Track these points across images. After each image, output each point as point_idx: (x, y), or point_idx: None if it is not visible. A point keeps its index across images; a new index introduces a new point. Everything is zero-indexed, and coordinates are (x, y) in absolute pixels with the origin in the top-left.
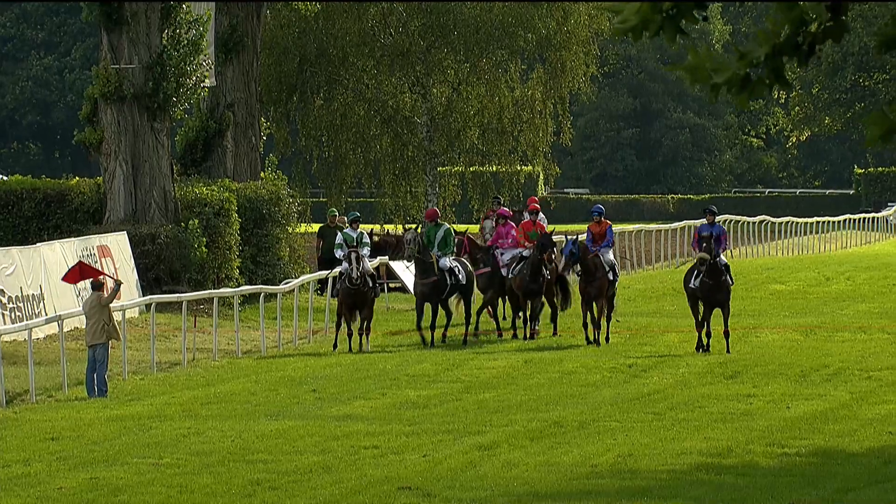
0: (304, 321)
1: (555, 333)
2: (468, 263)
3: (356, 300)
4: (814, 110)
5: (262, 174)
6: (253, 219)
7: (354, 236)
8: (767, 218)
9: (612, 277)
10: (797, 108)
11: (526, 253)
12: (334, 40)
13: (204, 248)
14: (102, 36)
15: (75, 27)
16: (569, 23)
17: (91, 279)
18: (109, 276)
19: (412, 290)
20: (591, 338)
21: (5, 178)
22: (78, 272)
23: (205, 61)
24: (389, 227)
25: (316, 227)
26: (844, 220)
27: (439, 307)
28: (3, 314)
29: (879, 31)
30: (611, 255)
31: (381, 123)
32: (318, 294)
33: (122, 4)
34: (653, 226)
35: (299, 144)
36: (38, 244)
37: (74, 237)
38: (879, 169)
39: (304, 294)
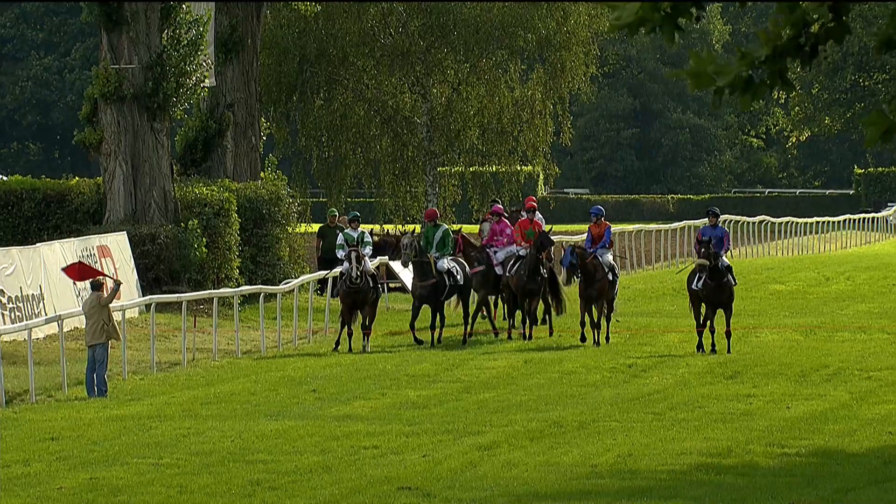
0: (304, 321)
1: (550, 333)
2: (465, 263)
3: (356, 300)
4: (814, 110)
5: (262, 174)
6: (253, 219)
7: (355, 236)
8: (767, 218)
9: (611, 278)
10: (797, 108)
11: (523, 252)
12: (334, 40)
13: (204, 249)
14: (102, 36)
15: (75, 27)
16: (569, 23)
17: (91, 279)
18: (109, 277)
19: (411, 291)
20: (588, 338)
21: (5, 178)
22: (77, 269)
23: (205, 61)
24: (389, 227)
25: (316, 227)
26: (844, 221)
27: (439, 308)
28: (2, 314)
29: (879, 31)
30: (609, 257)
31: (381, 123)
32: (317, 294)
33: (122, 4)
34: (653, 226)
35: (299, 144)
36: (37, 244)
37: (74, 237)
38: (879, 169)
39: (303, 294)
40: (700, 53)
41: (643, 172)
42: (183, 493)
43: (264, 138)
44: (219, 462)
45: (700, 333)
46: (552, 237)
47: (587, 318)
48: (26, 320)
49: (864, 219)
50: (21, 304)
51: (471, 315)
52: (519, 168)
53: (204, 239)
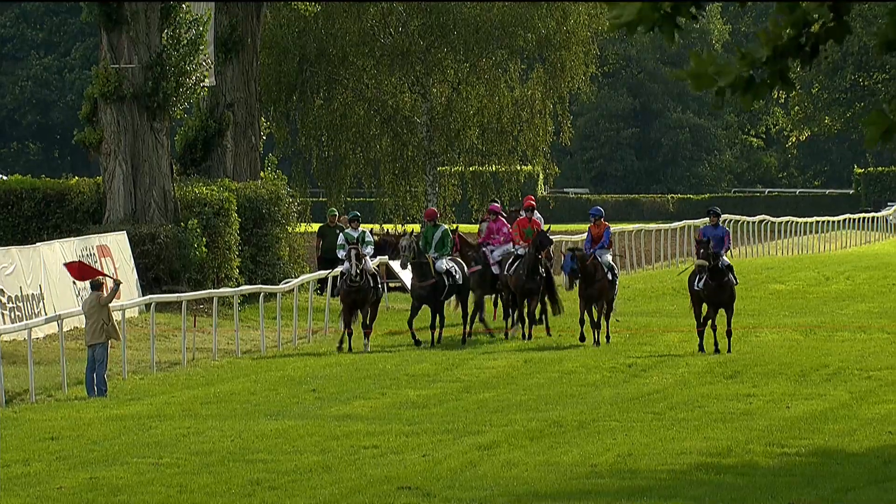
0: (304, 321)
1: (548, 333)
2: (463, 263)
3: (356, 299)
4: (813, 110)
5: (261, 174)
6: (252, 218)
7: (356, 236)
8: (767, 218)
9: (611, 278)
10: (797, 107)
11: (521, 251)
12: (334, 40)
13: (203, 248)
14: (102, 36)
15: (75, 27)
16: (568, 23)
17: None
18: (109, 276)
19: (410, 292)
20: (588, 337)
21: (5, 177)
22: (78, 268)
23: (204, 61)
24: (388, 227)
25: (316, 226)
26: (844, 220)
27: (439, 309)
28: (2, 314)
29: (879, 31)
30: (608, 257)
31: (380, 123)
32: (317, 294)
33: (122, 4)
34: (652, 225)
35: (299, 144)
36: (37, 244)
37: (74, 237)
38: (879, 169)
39: (303, 294)
40: (700, 54)
41: (643, 172)
42: (183, 492)
43: (264, 138)
44: (219, 462)
45: (700, 334)
46: (551, 236)
47: (587, 318)
48: (26, 320)
49: (863, 218)
50: (21, 304)
51: (469, 315)
52: (519, 168)
53: (204, 239)
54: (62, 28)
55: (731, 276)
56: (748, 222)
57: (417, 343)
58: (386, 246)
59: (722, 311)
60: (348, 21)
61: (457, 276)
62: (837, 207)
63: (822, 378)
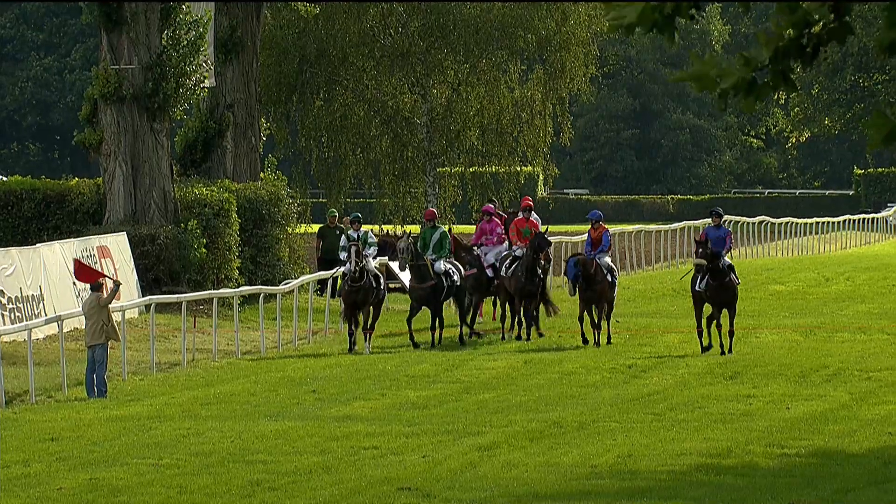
0: (304, 322)
1: (540, 335)
2: (460, 265)
3: (357, 299)
4: (813, 111)
5: (261, 175)
6: (252, 219)
7: (358, 237)
8: (767, 218)
9: (611, 280)
10: (797, 108)
11: (518, 252)
12: (334, 40)
13: (203, 249)
14: (102, 37)
15: (75, 28)
16: (568, 23)
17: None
18: (108, 277)
19: (409, 293)
20: (589, 338)
21: (5, 178)
22: (79, 269)
23: (204, 62)
24: (388, 228)
25: (315, 227)
26: (844, 221)
27: (439, 310)
28: (2, 315)
29: (880, 34)
30: (608, 259)
31: (380, 124)
32: (317, 294)
33: (122, 5)
34: (652, 226)
35: (299, 145)
36: (37, 245)
37: (74, 238)
38: (879, 169)
39: (303, 294)
40: (701, 56)
41: (643, 173)
42: (183, 493)
43: (264, 139)
44: (218, 462)
45: (700, 334)
46: (549, 237)
47: (586, 318)
48: (26, 321)
49: (863, 219)
50: (21, 305)
51: (468, 316)
52: (519, 168)
53: (204, 239)
54: (62, 29)
55: (732, 275)
56: (748, 223)
57: (415, 345)
58: (386, 247)
59: (725, 312)
60: (348, 22)
61: (455, 278)
62: (837, 208)
63: (822, 379)
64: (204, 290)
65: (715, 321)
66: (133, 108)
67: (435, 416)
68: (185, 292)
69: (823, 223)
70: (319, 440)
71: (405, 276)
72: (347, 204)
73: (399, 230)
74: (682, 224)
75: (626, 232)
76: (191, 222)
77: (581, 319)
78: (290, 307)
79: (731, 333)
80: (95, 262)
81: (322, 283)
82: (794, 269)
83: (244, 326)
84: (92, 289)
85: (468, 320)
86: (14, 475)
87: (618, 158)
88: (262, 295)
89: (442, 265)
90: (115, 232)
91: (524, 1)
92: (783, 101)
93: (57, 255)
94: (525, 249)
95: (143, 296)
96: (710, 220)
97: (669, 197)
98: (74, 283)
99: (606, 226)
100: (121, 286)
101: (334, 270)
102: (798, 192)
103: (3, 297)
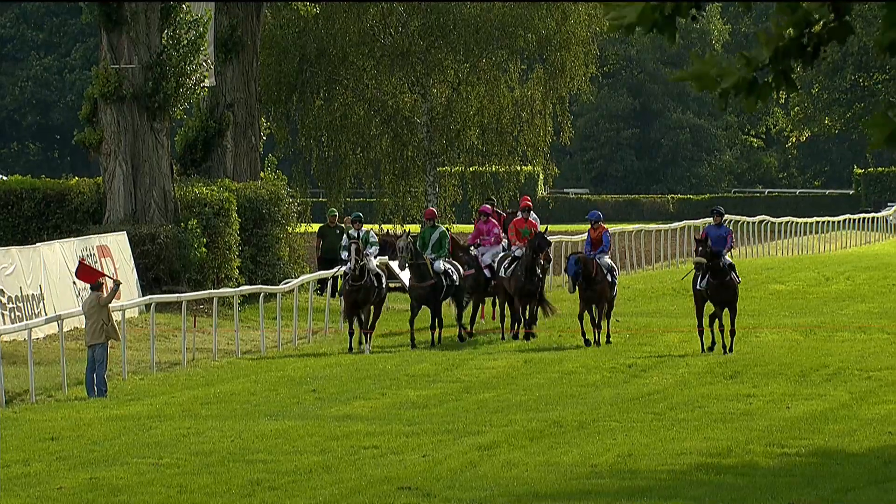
0: (304, 321)
1: (533, 335)
2: (458, 265)
3: (358, 298)
4: (813, 110)
5: (261, 174)
6: (252, 219)
7: (359, 236)
8: (767, 218)
9: (611, 279)
10: (797, 108)
11: (518, 252)
12: (334, 40)
13: (203, 249)
14: (102, 36)
15: (75, 28)
16: (568, 23)
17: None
18: (109, 277)
19: (408, 293)
20: (590, 338)
21: (5, 178)
22: (80, 270)
23: (204, 61)
24: (388, 227)
25: (316, 227)
26: (844, 220)
27: (438, 309)
28: (2, 314)
29: (880, 34)
30: (608, 259)
31: (380, 123)
32: (317, 294)
33: (122, 4)
34: (652, 226)
35: (299, 144)
36: (37, 244)
37: (74, 237)
38: (879, 169)
39: (303, 294)
40: (702, 55)
41: (643, 172)
42: (183, 492)
43: (264, 138)
44: (219, 462)
45: (701, 333)
46: (549, 237)
47: (586, 316)
48: (26, 320)
49: (863, 219)
50: (21, 304)
51: (469, 316)
52: (519, 168)
53: (204, 239)
54: (62, 29)
55: (733, 274)
56: (748, 223)
57: (414, 346)
58: (386, 246)
59: (726, 311)
60: (348, 21)
61: (454, 277)
62: (837, 208)
63: (822, 378)
64: (204, 290)
65: (717, 321)
66: (133, 107)
67: (435, 416)
68: (185, 292)
69: (823, 223)
70: (319, 440)
71: (405, 276)
72: (347, 203)
73: (399, 230)
74: (682, 224)
75: (626, 231)
76: (191, 222)
77: (581, 318)
78: (290, 307)
79: (733, 333)
80: (95, 262)
81: (322, 282)
82: (794, 269)
83: (244, 326)
84: (92, 288)
85: (468, 321)
86: (14, 475)
87: (618, 158)
88: (262, 294)
89: (441, 264)
90: (115, 231)
91: (524, 1)
92: (783, 101)
93: (57, 255)
94: (524, 249)
95: (143, 295)
96: (710, 219)
97: (669, 196)
98: (74, 283)
99: (606, 226)
100: (121, 285)
101: (334, 270)
102: (798, 191)
103: (3, 297)
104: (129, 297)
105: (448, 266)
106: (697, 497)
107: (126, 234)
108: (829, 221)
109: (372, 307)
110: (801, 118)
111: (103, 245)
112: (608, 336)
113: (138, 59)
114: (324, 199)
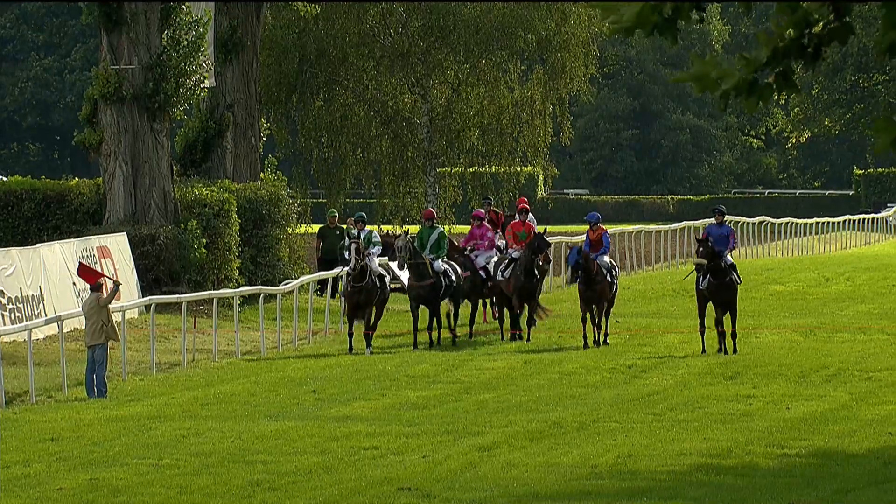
0: (304, 322)
1: (513, 339)
2: (456, 266)
3: (360, 299)
4: (813, 111)
5: (261, 175)
6: (252, 219)
7: (361, 236)
8: (767, 218)
9: (610, 279)
10: (797, 108)
11: (515, 254)
12: (334, 41)
13: (203, 249)
14: (102, 37)
15: (75, 28)
16: (568, 24)
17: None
18: (108, 277)
19: (407, 292)
20: (590, 343)
21: (5, 178)
22: (81, 270)
23: (204, 62)
24: (388, 228)
25: (315, 227)
26: (844, 221)
27: (437, 309)
28: (2, 315)
29: (880, 36)
30: (607, 259)
31: (380, 124)
32: (317, 295)
33: (122, 5)
34: (652, 226)
35: (299, 145)
36: (37, 245)
37: (74, 238)
38: (879, 170)
39: (303, 295)
40: (702, 56)
41: (643, 173)
42: (183, 493)
43: (264, 139)
44: (218, 463)
45: (703, 333)
46: (547, 238)
47: (587, 317)
48: (26, 321)
49: (863, 219)
50: (21, 305)
51: (469, 318)
52: (519, 169)
53: (204, 240)
54: (62, 29)
55: (734, 275)
56: (748, 223)
57: (416, 346)
58: (386, 247)
59: (727, 315)
60: (348, 22)
61: (453, 277)
62: (837, 208)
63: (822, 379)
64: (204, 291)
65: (717, 323)
66: (133, 108)
67: (435, 417)
68: (185, 292)
69: (823, 223)
70: (319, 440)
71: (405, 276)
72: (347, 204)
73: (399, 230)
74: (682, 224)
75: (626, 232)
76: (191, 222)
77: (584, 321)
78: (290, 307)
79: (735, 334)
80: (95, 263)
81: (322, 283)
82: (794, 270)
83: (244, 327)
84: (92, 289)
85: (468, 322)
86: (14, 475)
87: (618, 159)
88: (262, 295)
89: (440, 264)
90: (115, 232)
91: (524, 1)
92: (783, 102)
93: (57, 255)
94: (522, 251)
95: (143, 296)
96: (712, 218)
97: (669, 197)
98: (74, 284)
99: (605, 227)
100: (121, 286)
101: (335, 270)
102: (798, 192)
103: (3, 298)
104: (129, 297)
105: (446, 267)
106: (697, 498)
107: (126, 235)
108: (828, 222)
109: (374, 308)
110: (801, 119)
111: (103, 246)
112: (605, 335)
113: (138, 60)
114: (324, 200)
